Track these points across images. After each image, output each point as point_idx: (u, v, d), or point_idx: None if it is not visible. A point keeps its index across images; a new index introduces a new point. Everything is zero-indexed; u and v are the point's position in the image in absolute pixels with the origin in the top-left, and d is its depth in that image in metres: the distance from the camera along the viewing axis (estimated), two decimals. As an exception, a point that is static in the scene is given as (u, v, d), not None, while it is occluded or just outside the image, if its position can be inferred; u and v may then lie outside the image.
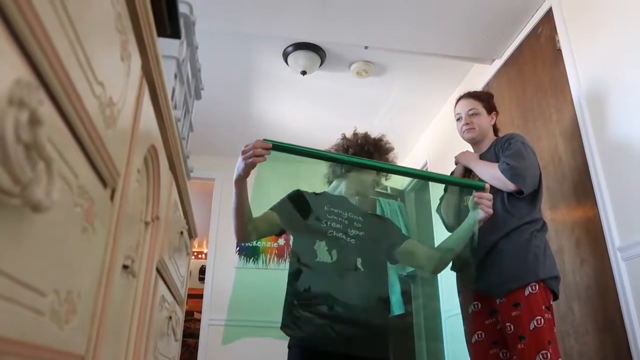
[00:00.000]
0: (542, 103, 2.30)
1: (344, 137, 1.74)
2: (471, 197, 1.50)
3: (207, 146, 4.09)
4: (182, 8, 1.15)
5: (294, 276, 1.52)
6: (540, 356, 1.44)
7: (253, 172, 1.43)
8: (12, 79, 0.28)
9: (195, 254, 6.65)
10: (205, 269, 4.40)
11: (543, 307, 1.52)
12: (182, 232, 1.14)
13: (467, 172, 1.84)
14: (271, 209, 1.59)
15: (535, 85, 2.37)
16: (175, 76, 1.11)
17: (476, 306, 1.73)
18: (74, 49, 0.37)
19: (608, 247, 1.81)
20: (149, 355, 0.82)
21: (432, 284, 3.55)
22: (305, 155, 1.46)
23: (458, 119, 1.90)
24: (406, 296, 3.64)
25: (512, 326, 1.54)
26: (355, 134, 1.74)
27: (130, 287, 0.71)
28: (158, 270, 0.88)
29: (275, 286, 1.72)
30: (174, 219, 1.01)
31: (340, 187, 1.71)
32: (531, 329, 1.49)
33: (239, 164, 1.40)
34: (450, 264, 1.67)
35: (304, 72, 2.95)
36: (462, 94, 1.95)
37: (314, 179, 1.79)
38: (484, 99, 1.90)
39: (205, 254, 5.52)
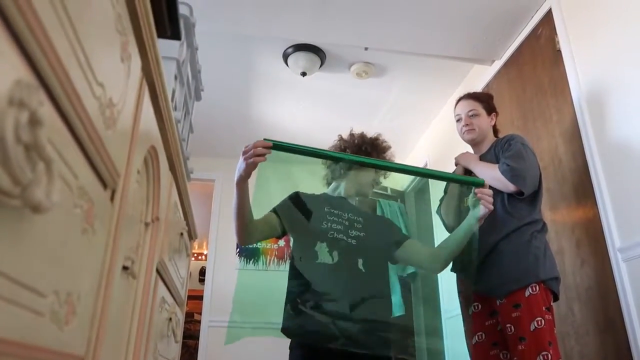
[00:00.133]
0: (542, 104, 2.30)
1: (341, 138, 1.74)
2: (471, 195, 1.50)
3: (207, 147, 4.09)
4: (182, 9, 1.15)
5: (294, 277, 1.51)
6: (541, 357, 1.44)
7: (254, 174, 1.43)
8: (12, 79, 0.28)
9: (195, 255, 6.66)
10: (205, 270, 4.39)
11: (543, 308, 1.52)
12: (182, 234, 1.14)
13: (467, 173, 1.84)
14: (272, 210, 1.59)
15: (535, 86, 2.37)
16: (176, 77, 1.11)
17: (476, 307, 1.73)
18: (74, 49, 0.37)
19: (608, 248, 1.81)
20: (149, 356, 0.82)
21: (432, 285, 3.55)
22: (306, 154, 1.45)
23: (458, 120, 1.90)
24: (406, 297, 3.63)
25: (512, 327, 1.54)
26: (351, 135, 1.73)
27: (130, 288, 0.70)
28: (158, 272, 0.87)
29: (276, 288, 1.72)
30: (174, 220, 1.01)
31: (339, 188, 1.71)
32: (531, 330, 1.49)
33: (240, 164, 1.40)
34: (451, 265, 1.67)
35: (304, 74, 2.95)
36: (462, 95, 1.95)
37: (313, 179, 1.78)
38: (484, 99, 1.90)
39: (206, 256, 5.52)
